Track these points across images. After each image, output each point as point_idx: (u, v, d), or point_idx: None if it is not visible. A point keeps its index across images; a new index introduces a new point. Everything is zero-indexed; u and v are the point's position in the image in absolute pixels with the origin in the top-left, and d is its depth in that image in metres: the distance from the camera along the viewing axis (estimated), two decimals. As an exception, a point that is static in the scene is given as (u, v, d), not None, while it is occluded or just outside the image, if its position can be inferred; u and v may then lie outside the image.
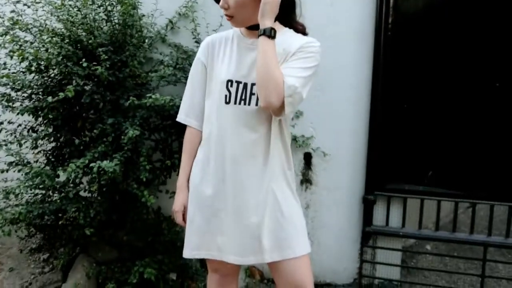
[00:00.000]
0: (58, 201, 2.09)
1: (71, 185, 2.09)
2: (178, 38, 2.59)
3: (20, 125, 2.39)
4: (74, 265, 2.50)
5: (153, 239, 2.49)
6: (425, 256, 2.93)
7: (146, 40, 2.44)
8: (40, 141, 2.25)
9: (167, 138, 2.37)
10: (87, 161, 1.95)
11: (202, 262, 2.55)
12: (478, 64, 2.28)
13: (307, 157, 2.59)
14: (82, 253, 2.52)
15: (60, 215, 2.25)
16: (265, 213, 1.49)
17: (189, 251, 1.58)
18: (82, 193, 2.17)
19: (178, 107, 1.68)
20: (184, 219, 1.63)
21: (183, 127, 1.68)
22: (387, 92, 2.37)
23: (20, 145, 2.12)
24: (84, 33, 2.17)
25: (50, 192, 2.16)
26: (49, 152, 2.37)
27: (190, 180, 1.61)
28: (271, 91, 1.33)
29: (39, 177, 1.94)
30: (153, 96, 2.03)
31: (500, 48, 2.25)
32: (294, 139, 2.52)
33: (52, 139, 2.30)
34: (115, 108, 2.20)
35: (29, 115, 2.13)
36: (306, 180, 2.62)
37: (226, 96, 1.48)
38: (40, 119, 2.28)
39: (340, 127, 2.53)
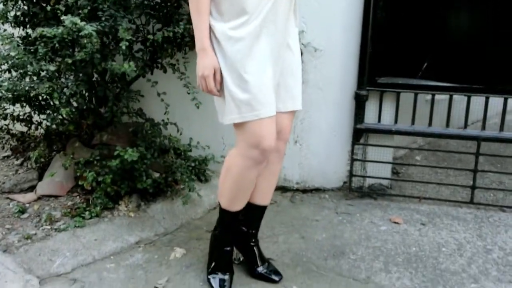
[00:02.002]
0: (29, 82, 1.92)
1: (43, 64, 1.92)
2: None
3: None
4: (50, 164, 2.36)
5: (135, 140, 2.36)
6: (414, 166, 2.88)
7: None
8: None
9: (148, 20, 2.21)
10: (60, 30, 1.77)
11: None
12: None
13: (297, 54, 2.46)
14: (59, 152, 2.38)
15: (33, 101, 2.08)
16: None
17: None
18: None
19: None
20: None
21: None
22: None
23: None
24: None
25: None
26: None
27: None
28: None
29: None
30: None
31: None
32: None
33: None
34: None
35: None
36: (295, 79, 2.50)
37: None
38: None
39: (332, 21, 2.41)
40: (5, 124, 2.41)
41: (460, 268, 1.90)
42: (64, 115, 1.88)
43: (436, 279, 1.83)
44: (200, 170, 2.54)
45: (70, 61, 1.86)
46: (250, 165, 1.56)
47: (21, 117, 2.24)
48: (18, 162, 2.46)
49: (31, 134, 2.50)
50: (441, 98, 2.48)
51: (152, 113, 2.47)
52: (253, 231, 1.83)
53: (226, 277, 1.73)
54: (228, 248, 1.76)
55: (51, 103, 2.06)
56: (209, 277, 1.74)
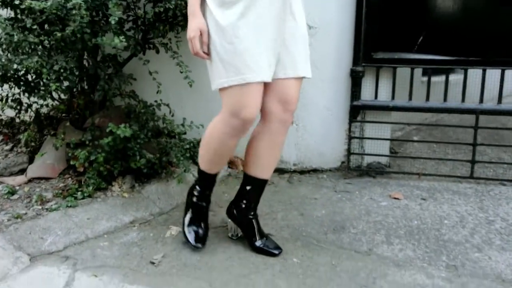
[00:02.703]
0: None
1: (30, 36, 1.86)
2: None
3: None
4: (41, 148, 2.30)
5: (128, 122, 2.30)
6: (412, 145, 2.85)
7: None
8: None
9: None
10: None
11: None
12: None
13: (291, 32, 2.43)
14: (50, 136, 2.32)
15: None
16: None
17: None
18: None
19: None
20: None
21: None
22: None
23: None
24: None
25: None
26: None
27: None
28: None
29: None
30: None
31: None
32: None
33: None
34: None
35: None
36: (290, 58, 2.46)
37: None
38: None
39: (326, -4, 2.38)
40: (-6, 109, 2.36)
41: (463, 239, 1.86)
42: (53, 90, 1.82)
43: (439, 249, 1.79)
44: (195, 153, 2.48)
45: (59, 34, 1.81)
46: (229, 133, 1.57)
47: (10, 98, 2.18)
48: (8, 147, 2.40)
49: (21, 119, 2.44)
50: (438, 80, 2.47)
51: (145, 96, 2.42)
52: (252, 205, 1.78)
53: (201, 231, 1.76)
54: (204, 204, 1.79)
55: (41, 82, 2.00)
56: (185, 230, 1.77)
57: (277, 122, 1.63)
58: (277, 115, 1.61)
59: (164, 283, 1.54)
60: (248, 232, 1.78)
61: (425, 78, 2.42)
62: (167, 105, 2.36)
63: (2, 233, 1.69)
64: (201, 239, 1.75)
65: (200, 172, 1.77)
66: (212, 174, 1.75)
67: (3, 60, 1.81)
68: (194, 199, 1.81)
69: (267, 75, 1.51)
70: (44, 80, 1.87)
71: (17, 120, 2.45)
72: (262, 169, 1.72)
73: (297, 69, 1.59)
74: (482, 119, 2.34)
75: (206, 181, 1.78)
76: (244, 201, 1.77)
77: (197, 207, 1.80)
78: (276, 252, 1.73)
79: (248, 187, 1.75)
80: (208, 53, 1.53)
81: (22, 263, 1.59)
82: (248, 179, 1.75)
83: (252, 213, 1.78)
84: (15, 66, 1.87)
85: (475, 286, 1.56)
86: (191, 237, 1.74)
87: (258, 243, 1.75)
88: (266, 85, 1.55)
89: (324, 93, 2.47)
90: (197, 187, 1.81)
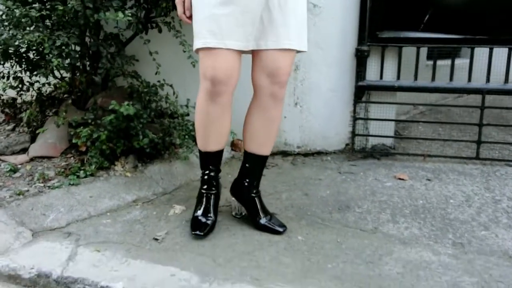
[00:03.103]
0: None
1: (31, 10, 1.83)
2: None
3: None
4: (43, 127, 2.27)
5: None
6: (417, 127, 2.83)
7: None
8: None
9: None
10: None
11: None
12: None
13: (296, 12, 2.39)
14: (52, 116, 2.29)
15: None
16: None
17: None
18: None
19: None
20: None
21: None
22: None
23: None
24: None
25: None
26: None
27: None
28: None
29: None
30: None
31: None
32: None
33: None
34: None
35: None
36: (294, 38, 2.42)
37: None
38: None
39: (330, -24, 2.35)
40: (-5, 90, 2.33)
41: (470, 218, 1.84)
42: (55, 66, 1.79)
43: (446, 227, 1.77)
44: (198, 135, 2.46)
45: (61, 8, 1.78)
46: (206, 99, 1.58)
47: (12, 75, 2.15)
48: (10, 127, 2.38)
49: (23, 100, 2.41)
50: (443, 63, 2.44)
51: (148, 77, 2.40)
52: (254, 182, 1.76)
53: (203, 219, 1.69)
54: (209, 191, 1.73)
55: (43, 59, 1.98)
56: (192, 216, 1.73)
57: (267, 96, 1.62)
58: (265, 89, 1.61)
59: (168, 259, 1.52)
60: (252, 210, 1.76)
61: (431, 62, 2.39)
62: (171, 85, 2.34)
63: (4, 208, 1.68)
64: (202, 227, 1.67)
65: (199, 152, 1.75)
66: (209, 152, 1.70)
67: (4, 35, 1.78)
68: (200, 184, 1.77)
69: (237, 44, 1.50)
70: (46, 57, 1.85)
71: (19, 100, 2.43)
72: (259, 145, 1.71)
73: (279, 41, 1.54)
74: (488, 100, 2.31)
75: (205, 160, 1.73)
76: (246, 179, 1.75)
77: (200, 195, 1.75)
78: (280, 229, 1.71)
79: (247, 165, 1.74)
80: (190, 18, 1.57)
81: (25, 238, 1.57)
82: (247, 156, 1.74)
83: (254, 191, 1.76)
84: (16, 42, 1.84)
85: (482, 262, 1.54)
86: (193, 223, 1.69)
87: (263, 220, 1.73)
88: (254, 57, 1.59)
89: (328, 74, 2.44)
90: (201, 171, 1.77)
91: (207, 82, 1.55)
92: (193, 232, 1.65)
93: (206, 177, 1.74)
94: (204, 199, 1.74)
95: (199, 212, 1.71)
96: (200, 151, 1.74)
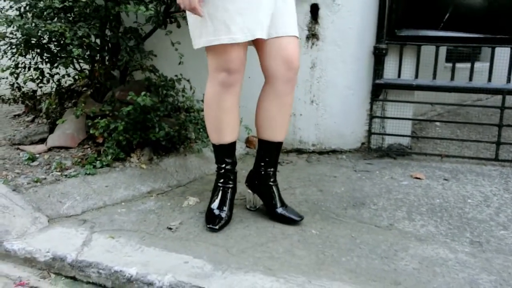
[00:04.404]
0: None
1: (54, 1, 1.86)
2: None
3: None
4: (62, 118, 2.30)
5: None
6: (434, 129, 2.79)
7: None
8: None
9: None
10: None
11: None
12: None
13: (314, 9, 2.40)
14: (71, 107, 2.33)
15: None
16: None
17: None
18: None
19: None
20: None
21: None
22: None
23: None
24: None
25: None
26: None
27: None
28: None
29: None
30: None
31: None
32: (300, -16, 2.33)
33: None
34: None
35: None
36: (312, 35, 2.43)
37: None
38: None
39: (349, -26, 2.35)
40: (17, 82, 2.38)
41: (488, 217, 1.80)
42: (76, 56, 1.82)
43: (463, 226, 1.73)
44: (214, 130, 2.47)
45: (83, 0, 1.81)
46: (220, 91, 1.59)
47: (33, 66, 2.19)
48: (29, 118, 2.42)
49: (43, 92, 2.46)
50: (462, 66, 2.41)
51: (165, 73, 2.42)
52: (271, 170, 1.75)
53: (218, 211, 1.68)
54: (220, 184, 1.73)
55: (63, 50, 2.01)
56: (207, 210, 1.73)
57: (283, 82, 1.63)
58: (282, 76, 1.62)
59: (181, 247, 1.52)
60: (269, 199, 1.75)
61: (449, 64, 2.36)
62: (188, 80, 2.35)
63: (21, 194, 1.70)
64: (216, 220, 1.66)
65: (213, 146, 1.74)
66: (224, 144, 1.69)
67: (27, 25, 1.81)
68: (216, 178, 1.77)
69: (256, 33, 1.52)
70: (67, 47, 1.88)
71: (39, 92, 2.47)
72: (274, 132, 1.70)
73: (287, 29, 1.59)
74: (508, 101, 2.27)
75: (220, 154, 1.72)
76: (263, 168, 1.74)
77: (215, 188, 1.75)
78: (297, 218, 1.70)
79: (263, 152, 1.74)
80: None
81: (41, 223, 1.59)
82: (262, 144, 1.74)
83: (272, 179, 1.75)
84: (39, 32, 1.88)
85: (501, 261, 1.50)
86: (206, 216, 1.69)
87: (279, 210, 1.72)
88: (265, 46, 1.59)
89: (345, 71, 2.43)
90: (217, 165, 1.76)
91: (222, 73, 1.57)
92: (207, 226, 1.65)
93: (222, 170, 1.73)
94: (221, 193, 1.73)
95: (215, 205, 1.71)
96: (214, 145, 1.73)
